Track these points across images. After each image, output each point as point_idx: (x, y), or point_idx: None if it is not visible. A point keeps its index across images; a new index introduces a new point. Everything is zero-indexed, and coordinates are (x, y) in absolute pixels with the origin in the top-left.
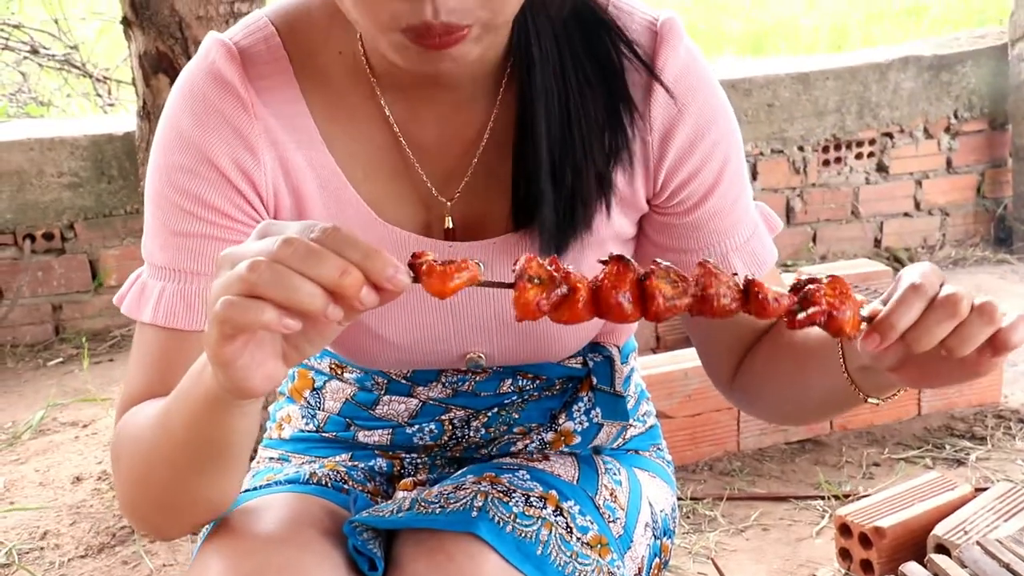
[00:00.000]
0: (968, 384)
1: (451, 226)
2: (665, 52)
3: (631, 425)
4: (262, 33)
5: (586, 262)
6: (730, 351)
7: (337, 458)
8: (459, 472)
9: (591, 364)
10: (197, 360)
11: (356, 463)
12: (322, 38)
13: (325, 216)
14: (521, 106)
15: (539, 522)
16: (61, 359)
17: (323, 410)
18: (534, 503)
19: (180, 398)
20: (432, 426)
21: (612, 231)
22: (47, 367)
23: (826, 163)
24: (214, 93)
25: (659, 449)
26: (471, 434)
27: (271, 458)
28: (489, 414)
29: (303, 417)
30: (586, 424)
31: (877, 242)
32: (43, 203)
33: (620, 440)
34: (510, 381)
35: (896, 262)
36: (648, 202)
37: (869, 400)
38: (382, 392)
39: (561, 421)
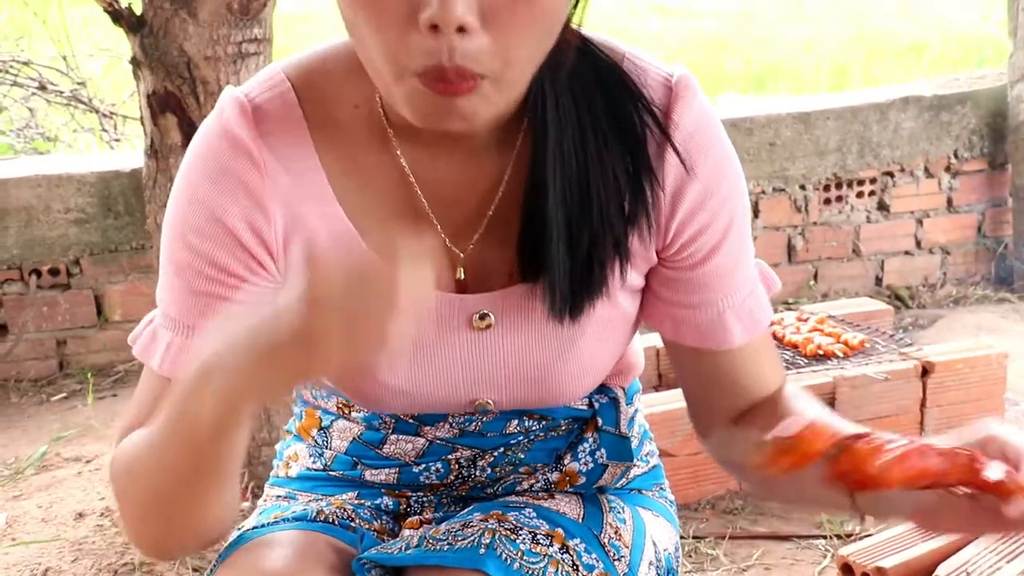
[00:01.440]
0: (969, 422)
1: (463, 277)
2: (679, 110)
3: (635, 465)
4: (278, 89)
5: (596, 315)
6: (719, 412)
7: (344, 496)
8: (466, 510)
9: (597, 405)
10: (178, 393)
11: (363, 501)
12: (338, 92)
13: None
14: (536, 164)
15: (546, 559)
16: (65, 394)
17: (330, 449)
18: (541, 541)
19: (169, 427)
20: (439, 465)
21: (624, 285)
22: (51, 402)
23: (827, 202)
24: (226, 153)
25: (662, 489)
26: (477, 473)
27: (278, 496)
28: (495, 454)
29: (310, 455)
30: (591, 465)
31: (878, 280)
32: (50, 239)
33: (624, 480)
34: (516, 422)
35: (897, 300)
36: (657, 254)
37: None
38: (389, 431)
39: (566, 462)
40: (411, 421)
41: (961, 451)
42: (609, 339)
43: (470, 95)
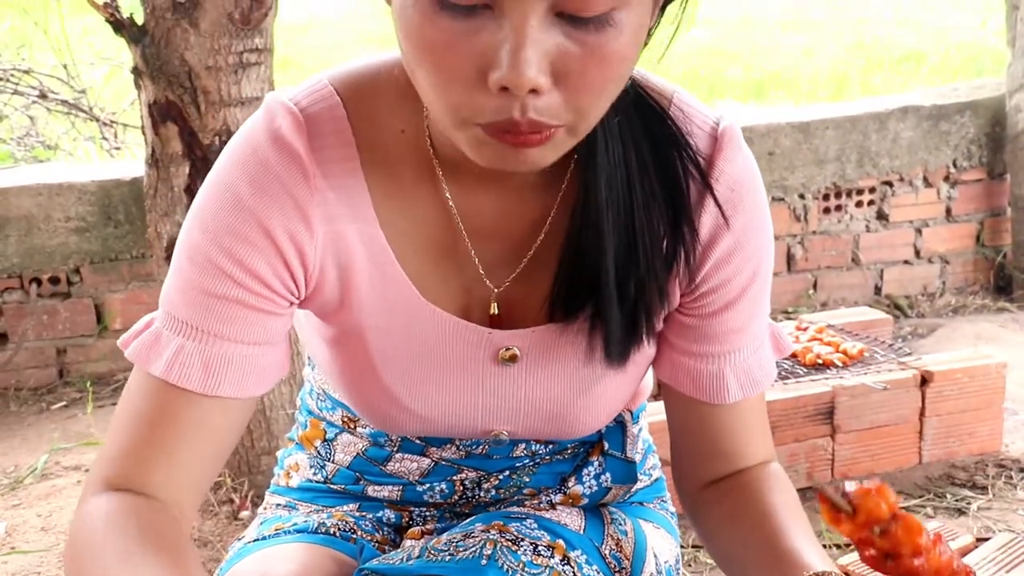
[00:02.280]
0: (969, 432)
1: (496, 312)
2: (723, 161)
3: (638, 479)
4: (327, 103)
5: (629, 360)
6: (698, 473)
7: (345, 508)
8: (468, 520)
9: (603, 429)
10: None
11: (364, 513)
12: (386, 113)
13: (369, 291)
14: (583, 206)
15: (547, 571)
16: (65, 403)
17: (333, 462)
18: (542, 552)
19: None
20: (443, 485)
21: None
22: (50, 411)
23: (826, 211)
24: (277, 160)
25: (663, 501)
26: (481, 495)
27: (278, 505)
28: (500, 477)
29: (311, 467)
30: (595, 488)
31: (877, 289)
32: (50, 247)
33: (627, 494)
34: (523, 446)
35: (896, 309)
36: (680, 296)
37: None
38: (394, 449)
39: (570, 484)
40: (417, 442)
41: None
42: (630, 378)
43: (540, 146)
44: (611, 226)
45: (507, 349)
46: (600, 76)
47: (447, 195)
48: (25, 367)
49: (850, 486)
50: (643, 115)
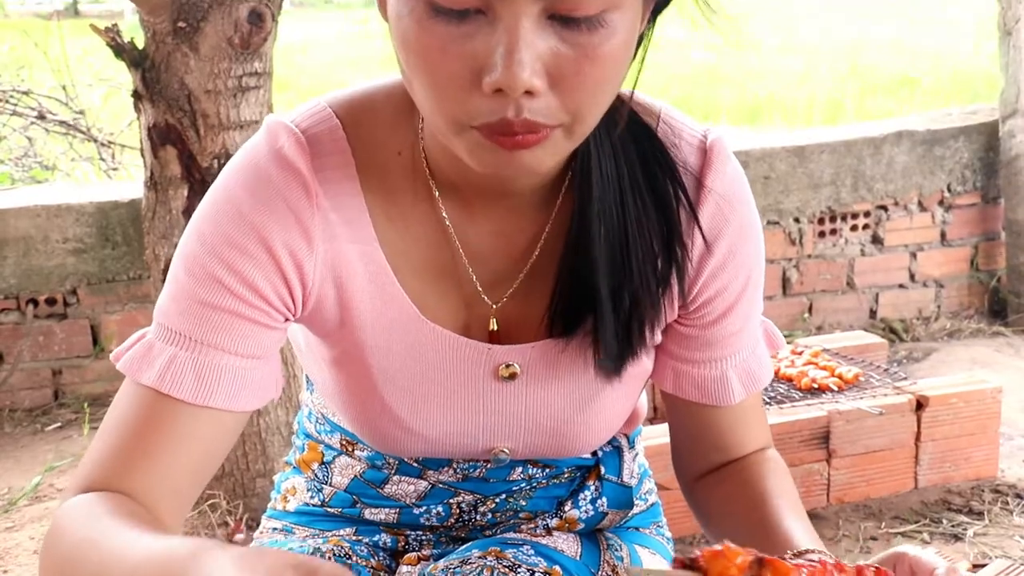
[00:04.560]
0: (964, 457)
1: (496, 328)
2: (712, 174)
3: (634, 505)
4: (326, 124)
5: (624, 373)
6: (698, 464)
7: (341, 532)
8: (464, 546)
9: (600, 454)
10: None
11: (360, 537)
12: (383, 136)
13: (369, 310)
14: (578, 222)
15: None
16: (60, 424)
17: (330, 485)
18: None
19: None
20: (439, 508)
21: (650, 342)
22: (45, 432)
23: (821, 235)
24: (280, 177)
25: (659, 526)
26: (478, 518)
27: (275, 529)
28: (497, 500)
29: (308, 490)
30: (591, 512)
31: (872, 313)
32: (47, 268)
33: (622, 519)
34: (520, 469)
35: (891, 333)
36: (677, 308)
37: None
38: (392, 472)
39: (567, 509)
40: (415, 464)
41: (869, 569)
42: (628, 393)
43: (535, 147)
44: (604, 242)
45: (507, 366)
46: (594, 76)
47: (444, 215)
48: (20, 388)
49: (699, 551)
50: (633, 132)
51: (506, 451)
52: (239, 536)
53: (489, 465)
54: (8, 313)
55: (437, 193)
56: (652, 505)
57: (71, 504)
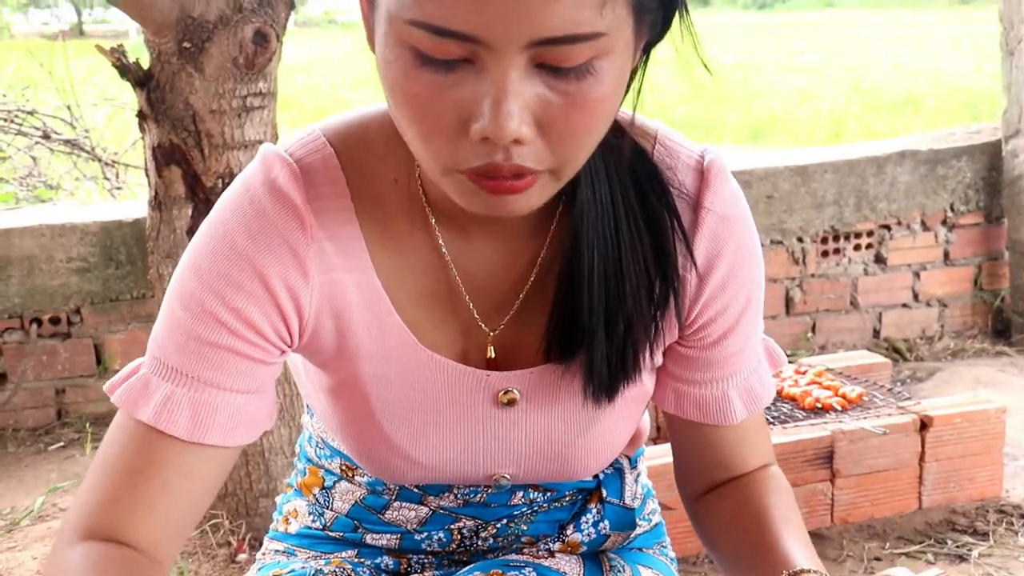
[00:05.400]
0: (969, 478)
1: (493, 356)
2: (710, 196)
3: (637, 525)
4: (320, 153)
5: (621, 397)
6: (700, 481)
7: (343, 554)
8: (466, 569)
9: (601, 476)
10: None
11: (362, 560)
12: (378, 163)
13: (367, 339)
14: (571, 248)
15: None
16: (63, 443)
17: (331, 509)
18: None
19: None
20: (441, 535)
21: (649, 365)
22: (48, 452)
23: (825, 254)
24: (274, 210)
25: (663, 547)
26: (479, 543)
27: (277, 551)
28: (498, 525)
29: (310, 514)
30: (593, 535)
31: (876, 333)
32: (51, 288)
33: (625, 540)
34: (521, 493)
35: (895, 353)
36: (678, 329)
37: None
38: (392, 498)
39: (569, 532)
40: (415, 490)
41: None
42: (629, 416)
43: (524, 192)
44: (597, 268)
45: (506, 392)
46: (583, 123)
47: (440, 242)
48: (24, 407)
49: None
50: (628, 155)
51: (507, 477)
52: (242, 556)
53: (490, 490)
54: (12, 332)
55: (434, 220)
56: (656, 525)
57: (74, 558)
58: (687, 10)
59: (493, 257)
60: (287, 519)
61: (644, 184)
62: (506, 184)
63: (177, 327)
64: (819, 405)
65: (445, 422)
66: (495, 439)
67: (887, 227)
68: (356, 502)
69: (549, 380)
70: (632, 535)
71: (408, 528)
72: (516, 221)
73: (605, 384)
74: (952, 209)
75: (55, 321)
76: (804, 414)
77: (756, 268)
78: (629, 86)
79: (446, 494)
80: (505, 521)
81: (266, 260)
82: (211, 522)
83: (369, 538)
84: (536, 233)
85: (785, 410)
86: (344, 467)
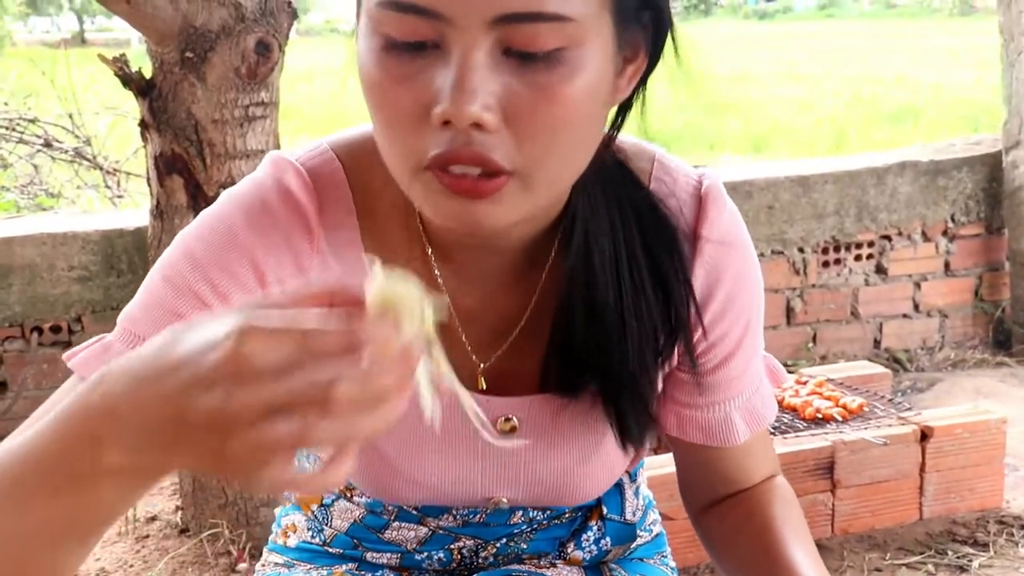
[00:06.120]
0: (969, 488)
1: (484, 387)
2: (707, 225)
3: (638, 536)
4: (329, 167)
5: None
6: (704, 496)
7: (344, 567)
8: None
9: (602, 494)
10: (56, 424)
11: (363, 573)
12: (381, 185)
13: None
14: (567, 285)
15: None
16: None
17: (330, 527)
18: None
19: (37, 465)
20: (441, 554)
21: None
22: None
23: (825, 264)
24: (284, 213)
25: (664, 556)
26: (479, 562)
27: (276, 563)
28: (498, 544)
29: (309, 529)
30: (595, 552)
31: (876, 343)
32: (52, 296)
33: (626, 551)
34: (521, 513)
35: (895, 363)
36: (678, 356)
37: None
38: (391, 518)
39: (570, 550)
40: (414, 511)
41: None
42: None
43: (492, 199)
44: (598, 299)
45: (506, 420)
46: (551, 118)
47: (436, 273)
48: (24, 416)
49: None
50: (626, 185)
51: (504, 500)
52: (242, 565)
53: (488, 511)
54: (13, 341)
55: (430, 250)
56: (657, 535)
57: None
58: (675, 37)
59: (488, 292)
60: (286, 532)
61: (643, 214)
62: (469, 182)
63: (154, 300)
64: (820, 415)
65: (443, 446)
66: (494, 464)
67: (888, 238)
68: (355, 521)
69: (549, 410)
70: (633, 546)
71: (408, 548)
72: (512, 254)
73: (636, 432)
74: (953, 220)
75: (56, 330)
76: (805, 424)
77: (755, 291)
78: (625, 116)
79: (445, 515)
80: (505, 540)
81: (265, 255)
82: (211, 531)
83: (369, 556)
84: (533, 267)
85: (786, 420)
86: (342, 486)
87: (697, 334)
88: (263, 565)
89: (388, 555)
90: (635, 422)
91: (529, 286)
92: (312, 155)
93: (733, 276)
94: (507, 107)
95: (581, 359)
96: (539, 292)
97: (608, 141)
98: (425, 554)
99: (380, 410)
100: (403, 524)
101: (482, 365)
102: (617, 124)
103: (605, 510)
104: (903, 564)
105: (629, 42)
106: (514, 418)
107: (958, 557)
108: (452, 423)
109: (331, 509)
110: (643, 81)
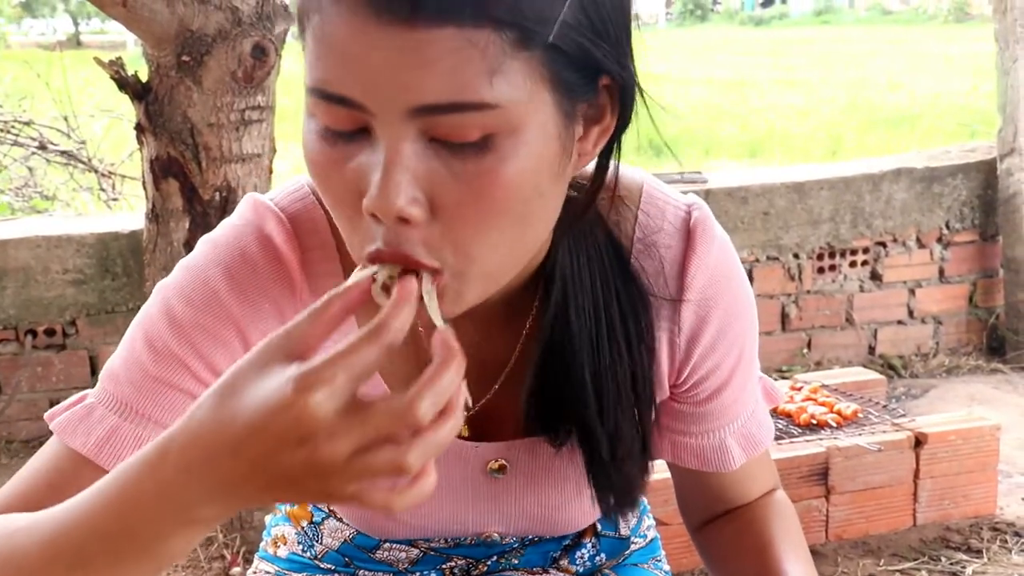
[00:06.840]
0: (963, 495)
1: (467, 436)
2: (696, 261)
3: (633, 542)
4: (309, 213)
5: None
6: (701, 512)
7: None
8: None
9: None
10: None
11: None
12: None
13: None
14: (549, 334)
15: None
16: None
17: (321, 544)
18: None
19: (104, 544)
20: (433, 574)
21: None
22: None
23: (820, 270)
24: (267, 270)
25: (658, 561)
26: None
27: (267, 572)
28: (489, 563)
29: (299, 543)
30: (588, 566)
31: (871, 349)
32: (47, 299)
33: (620, 557)
34: (512, 536)
35: (890, 369)
36: (669, 389)
37: None
38: (382, 540)
39: (563, 564)
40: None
41: None
42: None
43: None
44: (581, 351)
45: (496, 460)
46: (479, 208)
47: (419, 327)
48: (18, 419)
49: None
50: (607, 250)
51: (496, 535)
52: (235, 570)
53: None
54: (7, 344)
55: None
56: (651, 541)
57: None
58: (642, 92)
59: (472, 342)
60: (276, 543)
61: (625, 286)
62: (403, 281)
63: (136, 363)
64: (814, 421)
65: (435, 490)
66: (486, 503)
67: (883, 244)
68: (345, 540)
69: (539, 451)
70: (627, 552)
71: (400, 568)
72: (496, 304)
73: (625, 499)
74: (947, 227)
75: (50, 333)
76: (799, 430)
77: (747, 320)
78: (601, 180)
79: (436, 539)
80: (496, 558)
81: (248, 316)
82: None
83: (361, 574)
84: (515, 315)
85: (780, 426)
86: (331, 507)
87: (686, 372)
88: (255, 572)
89: (380, 574)
90: (612, 481)
91: (515, 331)
92: (293, 198)
93: (724, 308)
94: (434, 199)
95: (559, 410)
96: (524, 338)
97: (590, 198)
98: (417, 573)
99: (455, 411)
100: (394, 546)
101: (465, 413)
102: (594, 186)
103: (599, 527)
104: (897, 570)
105: (586, 110)
106: (503, 459)
107: (952, 563)
108: (442, 469)
109: (321, 527)
110: (616, 137)
